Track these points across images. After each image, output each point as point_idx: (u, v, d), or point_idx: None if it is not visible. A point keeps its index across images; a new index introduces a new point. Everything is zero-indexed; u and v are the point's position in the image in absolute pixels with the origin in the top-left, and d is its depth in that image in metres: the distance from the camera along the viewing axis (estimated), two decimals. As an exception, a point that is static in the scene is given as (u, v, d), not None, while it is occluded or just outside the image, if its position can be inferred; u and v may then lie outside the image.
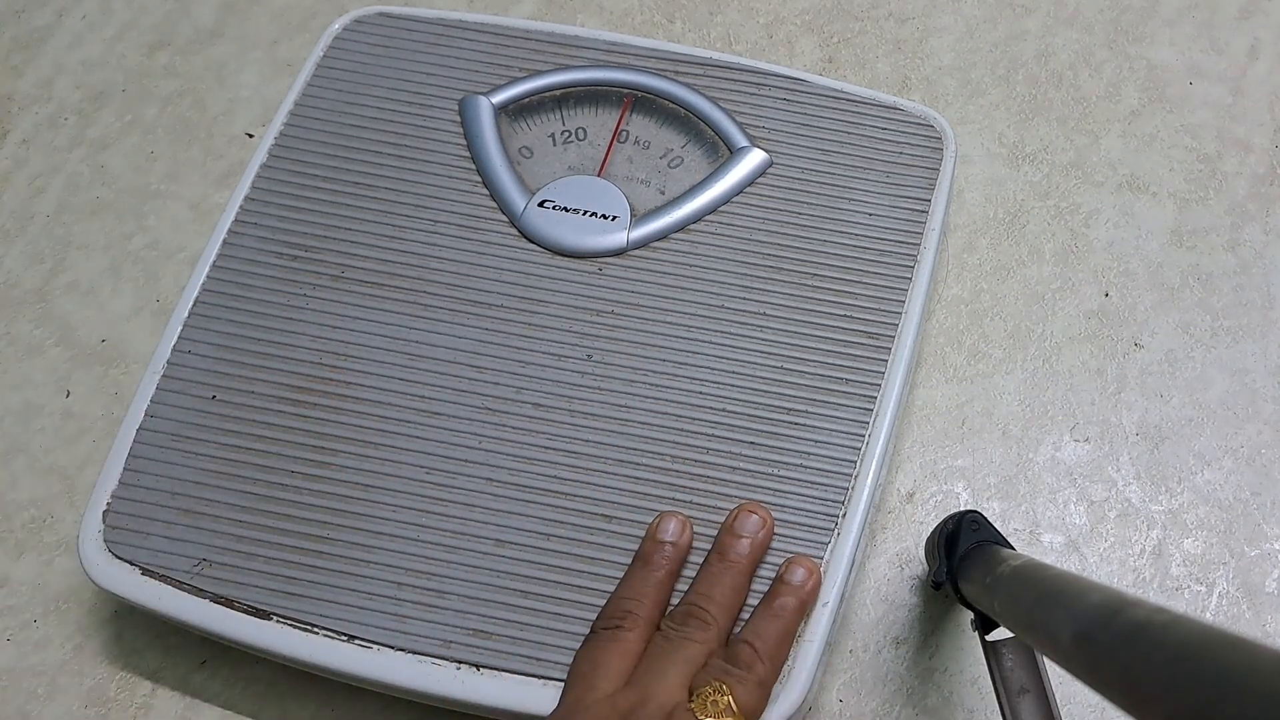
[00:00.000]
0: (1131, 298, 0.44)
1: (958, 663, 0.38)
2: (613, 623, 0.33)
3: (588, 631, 0.34)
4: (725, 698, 0.31)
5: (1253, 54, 0.50)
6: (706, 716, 0.31)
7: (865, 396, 0.37)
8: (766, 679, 0.32)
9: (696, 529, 0.35)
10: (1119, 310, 0.44)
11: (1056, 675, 0.33)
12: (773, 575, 0.35)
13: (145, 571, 0.35)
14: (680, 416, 0.37)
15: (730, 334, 0.38)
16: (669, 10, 0.51)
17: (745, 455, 0.36)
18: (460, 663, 0.34)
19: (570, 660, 0.34)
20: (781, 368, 0.38)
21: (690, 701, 0.31)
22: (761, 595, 0.34)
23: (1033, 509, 0.41)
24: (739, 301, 0.39)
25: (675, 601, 0.35)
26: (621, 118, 0.42)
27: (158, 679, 0.39)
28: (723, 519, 0.35)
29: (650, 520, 0.35)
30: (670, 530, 0.35)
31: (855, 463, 0.36)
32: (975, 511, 0.35)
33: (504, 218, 0.40)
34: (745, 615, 0.34)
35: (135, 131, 0.50)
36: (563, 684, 0.33)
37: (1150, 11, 0.51)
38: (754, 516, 0.35)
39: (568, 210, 0.40)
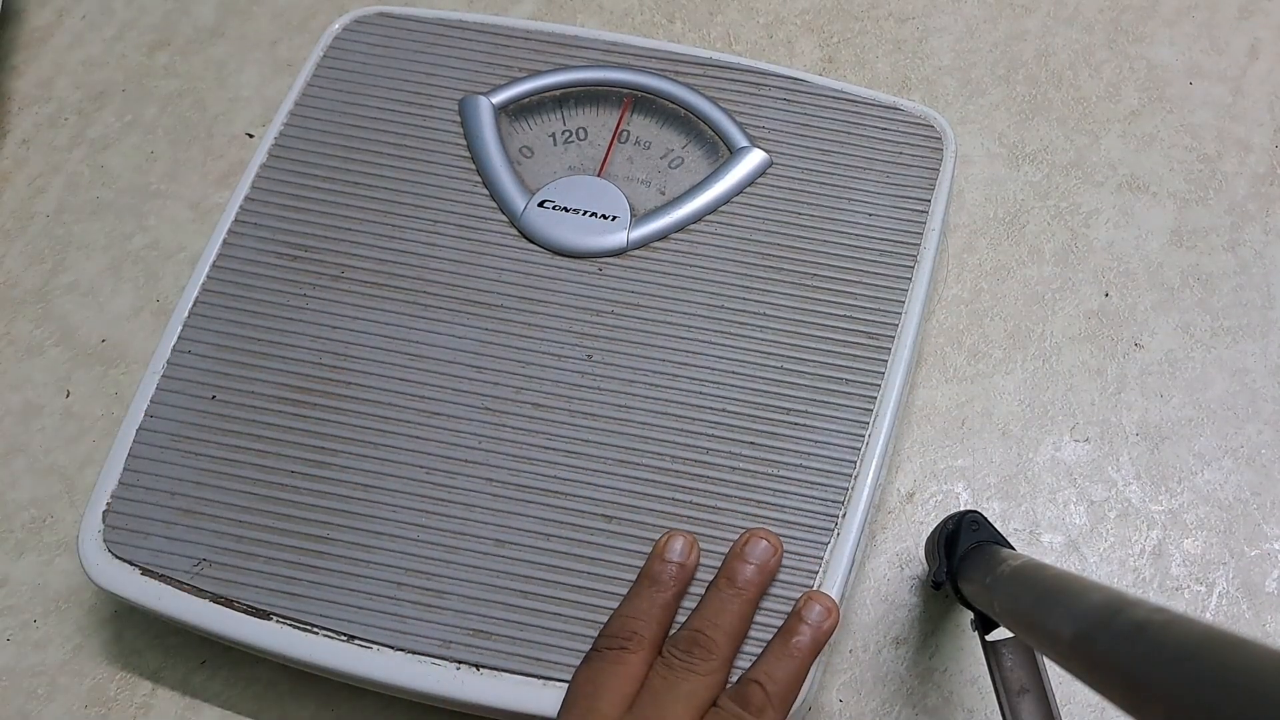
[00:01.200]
0: (1131, 298, 0.44)
1: (958, 663, 0.38)
2: (617, 643, 0.33)
3: (588, 637, 0.34)
4: None
5: (1253, 54, 0.50)
6: None
7: (865, 397, 0.37)
8: None
9: (694, 530, 0.35)
10: (1119, 310, 0.44)
11: (1056, 675, 0.33)
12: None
13: (145, 571, 0.35)
14: (680, 417, 0.37)
15: (730, 334, 0.38)
16: (669, 10, 0.51)
17: (745, 455, 0.36)
18: (460, 663, 0.34)
19: (568, 658, 0.34)
20: (781, 368, 0.38)
21: None
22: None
23: (1033, 509, 0.41)
24: (739, 301, 0.39)
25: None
26: (621, 118, 0.42)
27: (158, 679, 0.39)
28: (721, 519, 0.35)
29: (649, 522, 0.35)
30: (678, 550, 0.34)
31: (855, 463, 0.36)
32: (975, 511, 0.35)
33: (504, 218, 0.40)
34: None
35: (135, 131, 0.50)
36: (562, 684, 0.33)
37: (1150, 11, 0.51)
38: (764, 543, 0.34)
39: (568, 210, 0.40)
